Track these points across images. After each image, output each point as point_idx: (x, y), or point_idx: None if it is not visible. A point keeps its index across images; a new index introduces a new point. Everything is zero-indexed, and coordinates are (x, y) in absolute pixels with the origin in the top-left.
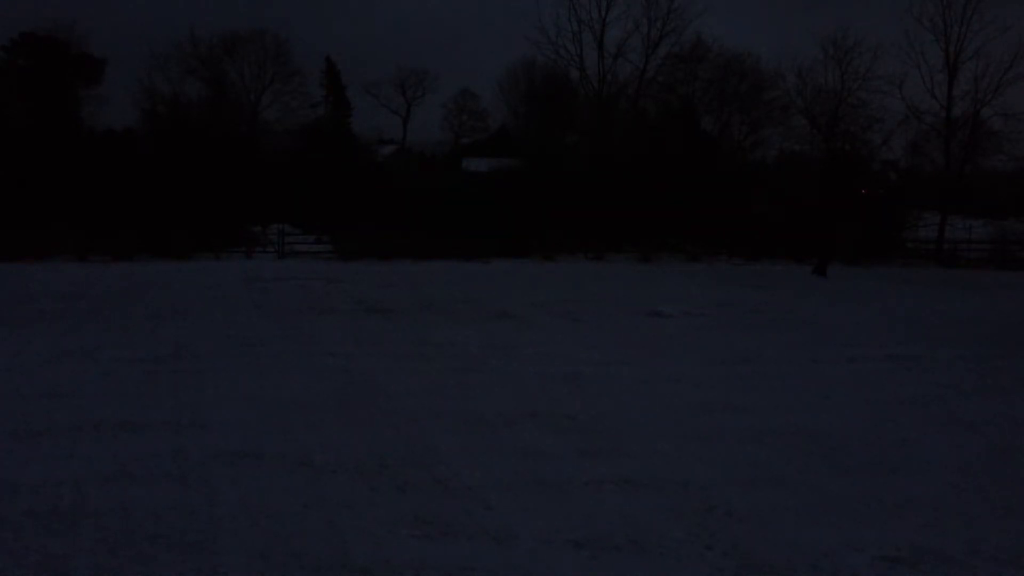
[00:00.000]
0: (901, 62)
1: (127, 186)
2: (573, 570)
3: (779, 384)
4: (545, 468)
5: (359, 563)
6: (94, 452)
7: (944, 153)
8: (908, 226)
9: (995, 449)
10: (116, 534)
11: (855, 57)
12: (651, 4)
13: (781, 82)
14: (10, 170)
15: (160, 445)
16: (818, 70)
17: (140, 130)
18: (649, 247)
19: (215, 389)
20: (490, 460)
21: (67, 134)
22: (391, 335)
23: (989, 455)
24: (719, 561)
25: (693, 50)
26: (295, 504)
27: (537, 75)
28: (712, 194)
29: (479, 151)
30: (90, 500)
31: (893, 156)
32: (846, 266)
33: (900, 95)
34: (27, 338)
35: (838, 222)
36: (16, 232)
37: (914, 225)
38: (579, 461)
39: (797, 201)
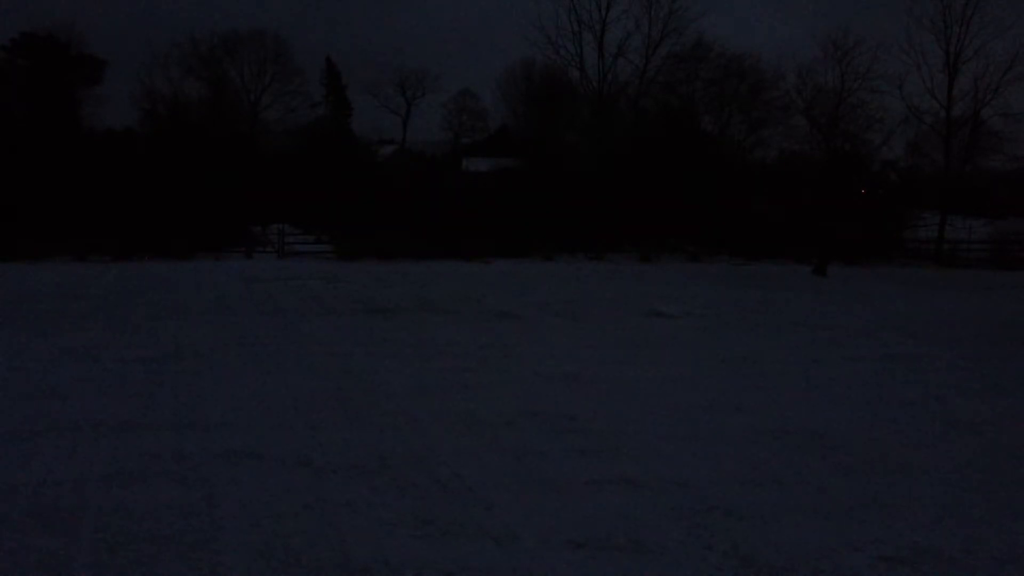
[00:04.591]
0: (901, 62)
1: (127, 186)
2: (573, 570)
3: (779, 384)
4: (545, 468)
5: (359, 563)
6: (94, 452)
7: (944, 153)
8: (908, 226)
9: (995, 449)
10: (116, 534)
11: (855, 57)
12: (652, 4)
13: (781, 82)
14: (10, 170)
15: (160, 445)
16: (818, 70)
17: (140, 130)
18: (649, 247)
19: (215, 389)
20: (490, 460)
21: (67, 134)
22: (391, 335)
23: (989, 455)
24: (719, 561)
25: (694, 50)
26: (295, 504)
27: (537, 75)
28: (712, 194)
29: (479, 151)
30: (90, 500)
31: (893, 156)
32: (846, 266)
33: (900, 95)
34: (27, 338)
35: (838, 222)
36: (16, 232)
37: (914, 225)
38: (579, 461)
39: (797, 201)
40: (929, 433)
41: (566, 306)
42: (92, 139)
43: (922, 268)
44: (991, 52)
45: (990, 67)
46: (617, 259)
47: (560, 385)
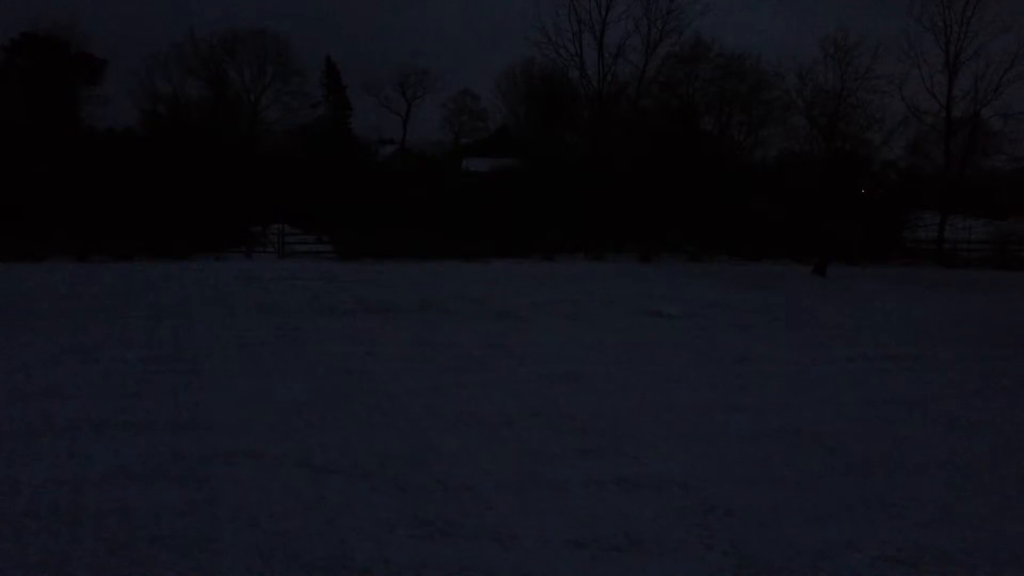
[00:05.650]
0: (901, 62)
1: (127, 186)
2: (573, 570)
3: (779, 384)
4: (545, 468)
5: (359, 563)
6: (94, 452)
7: (944, 153)
8: (908, 226)
9: (995, 449)
10: (116, 534)
11: (855, 57)
12: (651, 4)
13: (781, 82)
14: (10, 170)
15: (160, 445)
16: (818, 70)
17: (140, 130)
18: (649, 247)
19: (215, 389)
20: (490, 460)
21: (67, 134)
22: (391, 335)
23: (989, 455)
24: (719, 561)
25: (693, 50)
26: (295, 504)
27: (537, 75)
28: (712, 194)
29: (479, 151)
30: (90, 500)
31: (893, 156)
32: (846, 266)
33: (900, 95)
34: (27, 338)
35: (838, 222)
36: (16, 232)
37: (914, 225)
38: (579, 461)
39: (797, 201)
40: (929, 433)
41: (566, 306)
42: (92, 139)
43: (922, 268)
44: (991, 52)
45: (990, 67)
46: (617, 259)
47: (560, 385)
